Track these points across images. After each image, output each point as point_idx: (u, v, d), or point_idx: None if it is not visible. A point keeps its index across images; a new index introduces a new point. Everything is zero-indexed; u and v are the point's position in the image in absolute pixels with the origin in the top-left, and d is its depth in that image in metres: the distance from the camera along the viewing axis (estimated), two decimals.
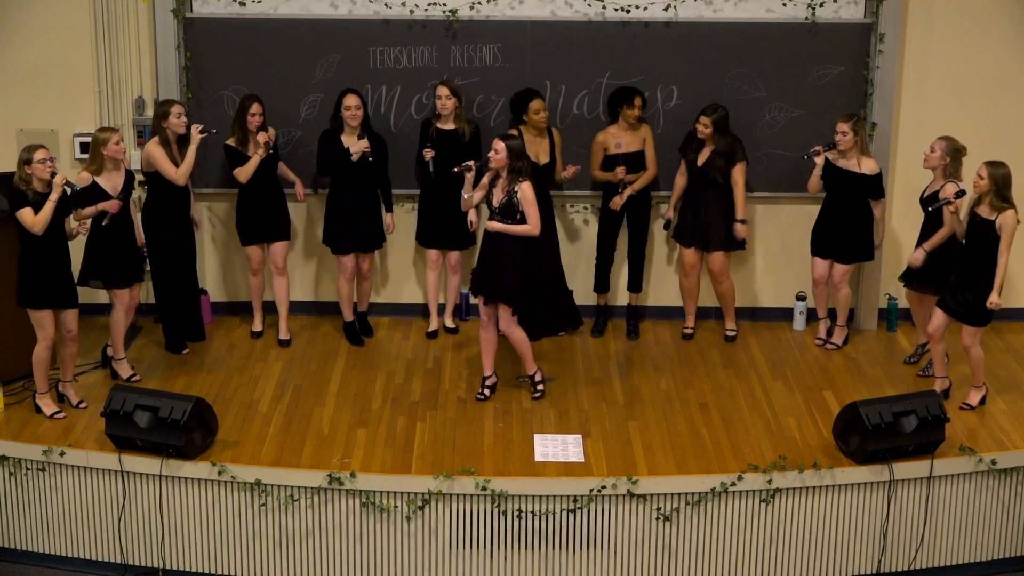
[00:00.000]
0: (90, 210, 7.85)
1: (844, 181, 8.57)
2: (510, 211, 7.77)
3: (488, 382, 8.15)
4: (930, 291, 8.25)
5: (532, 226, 7.76)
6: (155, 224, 8.48)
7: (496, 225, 7.79)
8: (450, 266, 9.12)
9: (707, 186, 8.76)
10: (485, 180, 7.84)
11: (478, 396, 8.13)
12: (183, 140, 8.35)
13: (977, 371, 7.95)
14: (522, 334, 8.04)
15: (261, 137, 8.53)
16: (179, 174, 8.30)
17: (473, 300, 8.47)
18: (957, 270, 7.80)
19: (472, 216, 8.59)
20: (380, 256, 9.30)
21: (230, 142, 8.61)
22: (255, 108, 8.53)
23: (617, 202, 8.86)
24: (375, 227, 8.88)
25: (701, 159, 8.74)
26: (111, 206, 7.90)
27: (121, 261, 8.04)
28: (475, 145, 8.79)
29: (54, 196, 7.41)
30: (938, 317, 7.85)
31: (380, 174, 8.77)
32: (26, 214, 7.38)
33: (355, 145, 8.58)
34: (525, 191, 7.73)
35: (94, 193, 7.87)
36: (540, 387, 8.18)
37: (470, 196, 7.88)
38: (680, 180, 8.94)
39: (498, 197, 7.79)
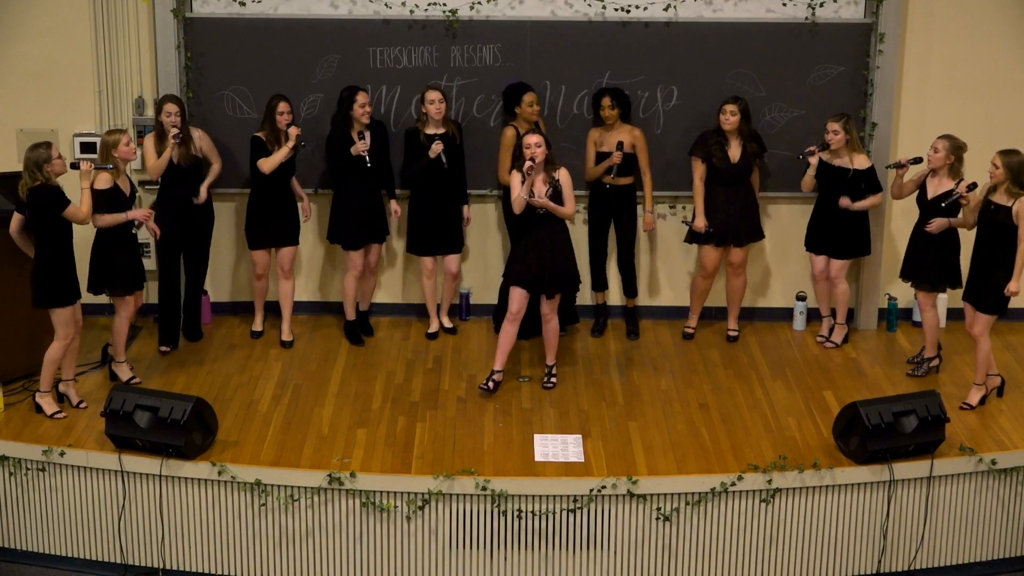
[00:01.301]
0: (119, 217, 7.79)
1: (837, 179, 8.59)
2: (557, 200, 7.94)
3: (496, 376, 8.17)
4: (940, 289, 8.28)
5: (571, 210, 8.02)
6: (163, 220, 8.48)
7: (548, 202, 7.88)
8: (451, 274, 9.08)
9: (739, 182, 8.77)
10: (518, 179, 7.93)
11: (482, 386, 8.12)
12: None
13: (981, 367, 7.95)
14: (558, 324, 8.24)
15: (293, 130, 8.53)
16: (150, 168, 8.37)
17: (469, 299, 8.48)
18: (972, 260, 7.81)
19: (467, 213, 8.87)
20: (380, 253, 9.29)
21: (260, 134, 8.62)
22: (282, 107, 8.54)
23: (649, 222, 8.95)
24: (382, 219, 8.93)
25: (735, 155, 8.72)
26: (141, 215, 7.89)
27: (125, 268, 8.01)
28: (461, 146, 8.82)
29: (86, 184, 7.49)
30: (969, 313, 7.87)
31: (383, 162, 8.78)
32: (75, 210, 7.44)
33: (355, 147, 8.58)
34: (565, 176, 8.00)
35: (115, 197, 7.79)
36: (555, 379, 8.27)
37: (526, 195, 7.91)
38: (701, 185, 8.84)
39: (541, 190, 7.90)
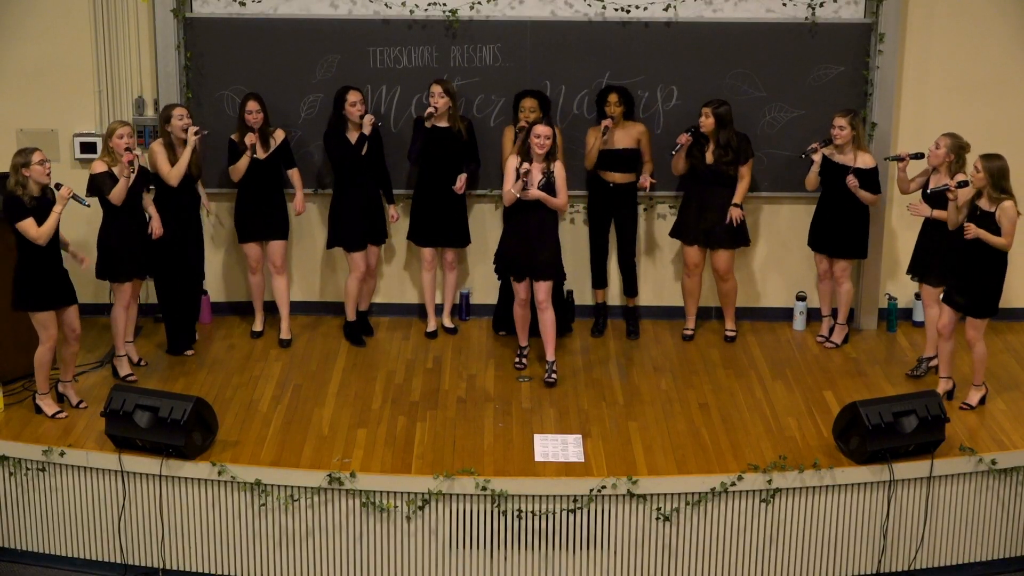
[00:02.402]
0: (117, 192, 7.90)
1: (840, 176, 8.58)
2: (549, 191, 8.07)
3: (524, 351, 8.52)
4: (938, 284, 8.26)
5: (564, 202, 8.16)
6: (163, 221, 8.48)
7: (539, 193, 8.03)
8: (447, 263, 9.12)
9: (714, 184, 8.74)
10: (519, 167, 8.06)
11: (516, 365, 8.49)
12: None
13: (979, 369, 7.95)
14: (553, 315, 8.28)
15: (249, 138, 8.53)
16: (171, 174, 8.31)
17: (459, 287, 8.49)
18: (959, 265, 7.79)
19: (460, 183, 8.79)
20: (380, 255, 9.29)
21: (233, 137, 8.63)
22: (250, 106, 8.53)
23: (645, 182, 8.79)
24: (382, 221, 8.94)
25: (710, 157, 8.72)
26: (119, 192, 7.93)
27: (126, 256, 8.04)
28: (472, 143, 8.81)
29: (59, 208, 7.39)
30: (946, 313, 7.86)
31: (378, 166, 8.80)
32: (29, 226, 7.33)
33: (364, 124, 8.57)
34: (560, 170, 8.12)
35: (107, 181, 7.86)
36: (556, 375, 8.29)
37: (517, 191, 8.05)
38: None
39: (535, 179, 8.05)
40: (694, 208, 8.86)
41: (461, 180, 8.76)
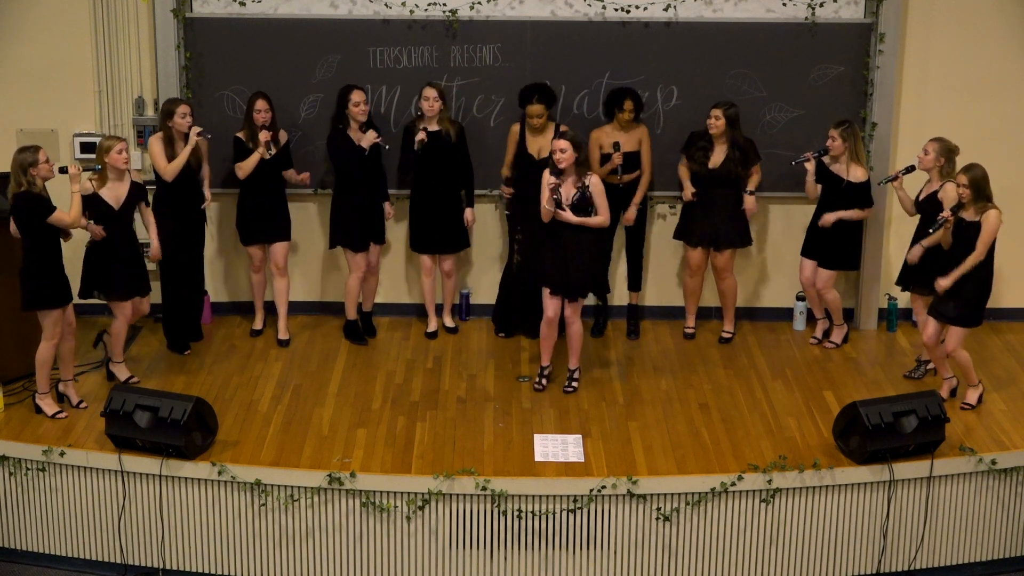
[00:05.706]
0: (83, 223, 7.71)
1: (832, 185, 8.58)
2: (583, 206, 7.82)
3: (546, 372, 8.27)
4: (929, 292, 8.25)
5: (605, 217, 7.91)
6: (162, 221, 8.47)
7: (573, 217, 7.80)
8: (444, 273, 9.10)
9: (719, 187, 8.74)
10: (550, 182, 7.80)
11: (536, 386, 8.21)
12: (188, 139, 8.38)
13: (968, 373, 7.94)
14: (581, 327, 8.18)
15: (263, 136, 8.53)
16: (167, 169, 8.30)
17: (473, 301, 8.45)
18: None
19: (469, 216, 8.84)
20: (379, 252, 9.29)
21: (240, 135, 8.63)
22: (259, 104, 8.53)
23: (630, 216, 8.89)
24: (380, 220, 8.93)
25: (716, 160, 8.70)
26: (95, 232, 7.80)
27: (121, 273, 7.97)
28: (461, 146, 8.80)
29: (76, 188, 7.45)
30: (931, 325, 7.88)
31: (378, 167, 8.79)
32: (61, 215, 7.39)
33: (365, 139, 8.58)
34: (596, 183, 7.86)
35: (95, 203, 7.78)
36: (577, 383, 8.24)
37: (552, 208, 7.79)
38: (685, 170, 8.84)
39: (569, 194, 7.81)
40: (699, 210, 8.84)
41: (470, 216, 8.93)
